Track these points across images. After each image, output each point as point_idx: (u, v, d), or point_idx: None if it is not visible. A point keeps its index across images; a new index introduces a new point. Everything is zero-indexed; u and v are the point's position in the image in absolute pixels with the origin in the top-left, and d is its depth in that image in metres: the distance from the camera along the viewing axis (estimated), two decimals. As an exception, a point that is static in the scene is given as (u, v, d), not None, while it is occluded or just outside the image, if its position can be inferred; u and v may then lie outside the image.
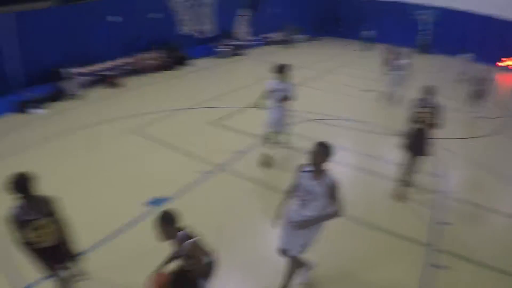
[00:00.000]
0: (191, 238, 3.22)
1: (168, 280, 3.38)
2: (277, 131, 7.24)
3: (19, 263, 4.18)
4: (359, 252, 5.26)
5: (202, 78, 14.51)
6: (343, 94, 12.98)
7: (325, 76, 15.49)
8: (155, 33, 14.84)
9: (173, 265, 3.53)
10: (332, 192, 3.60)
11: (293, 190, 3.91)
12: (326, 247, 4.68)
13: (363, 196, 6.69)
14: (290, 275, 4.11)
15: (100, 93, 12.20)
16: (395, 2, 23.76)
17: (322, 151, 3.55)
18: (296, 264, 4.08)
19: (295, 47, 21.87)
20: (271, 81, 6.92)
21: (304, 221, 3.66)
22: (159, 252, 3.68)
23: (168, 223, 3.18)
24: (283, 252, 4.09)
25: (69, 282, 3.85)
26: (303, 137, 8.13)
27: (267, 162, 7.35)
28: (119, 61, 13.40)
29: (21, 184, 3.22)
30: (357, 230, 5.70)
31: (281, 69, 6.86)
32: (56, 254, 3.61)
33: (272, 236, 4.37)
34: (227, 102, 11.50)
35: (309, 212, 3.71)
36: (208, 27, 17.54)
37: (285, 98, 6.80)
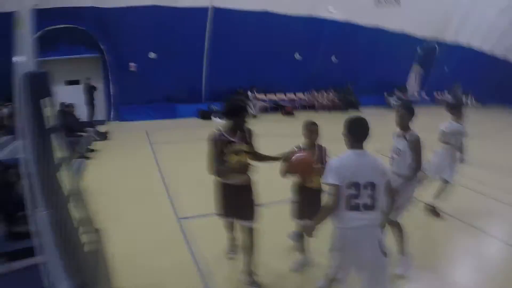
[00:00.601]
0: None
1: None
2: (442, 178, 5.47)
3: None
4: None
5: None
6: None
7: None
8: (333, 75, 15.27)
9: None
10: (414, 146, 3.65)
11: None
12: None
13: None
14: (401, 239, 3.82)
15: (273, 117, 13.20)
16: None
17: (408, 112, 3.71)
18: (399, 228, 3.84)
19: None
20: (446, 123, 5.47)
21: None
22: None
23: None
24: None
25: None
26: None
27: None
28: (296, 95, 14.02)
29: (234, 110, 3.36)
30: None
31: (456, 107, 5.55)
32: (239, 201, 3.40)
33: None
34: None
35: (394, 168, 3.81)
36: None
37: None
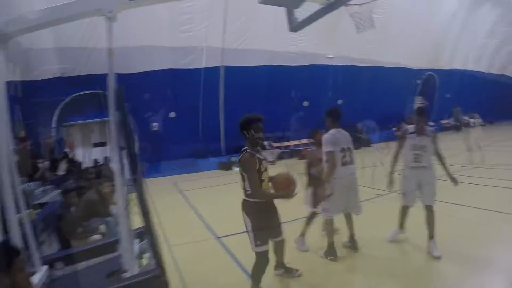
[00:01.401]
0: None
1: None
2: None
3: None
4: None
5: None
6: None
7: None
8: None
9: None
10: (435, 139, 4.48)
11: (398, 155, 4.67)
12: None
13: None
14: (432, 223, 4.39)
15: (290, 162, 14.02)
16: None
17: (423, 114, 4.54)
18: (432, 212, 4.43)
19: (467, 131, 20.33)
20: None
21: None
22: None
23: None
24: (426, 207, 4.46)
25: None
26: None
27: None
28: (309, 140, 14.91)
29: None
30: None
31: None
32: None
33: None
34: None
35: (424, 163, 4.46)
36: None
37: None
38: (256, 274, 3.53)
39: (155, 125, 14.31)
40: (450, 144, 13.19)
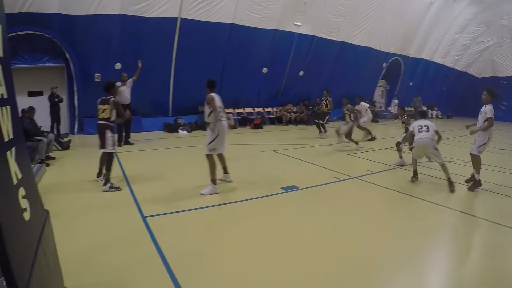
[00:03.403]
0: None
1: None
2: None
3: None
4: None
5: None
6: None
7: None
8: (300, 90, 15.46)
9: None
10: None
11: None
12: None
13: None
14: (478, 166, 6.61)
15: (241, 130, 13.43)
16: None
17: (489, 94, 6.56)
18: (476, 159, 6.62)
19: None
20: None
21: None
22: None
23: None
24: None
25: None
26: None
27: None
28: (264, 109, 14.03)
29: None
30: None
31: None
32: None
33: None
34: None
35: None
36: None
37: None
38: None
39: (97, 76, 12.76)
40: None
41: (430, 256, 4.00)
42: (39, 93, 12.24)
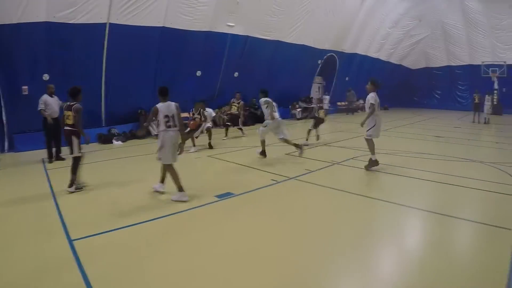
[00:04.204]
0: None
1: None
2: None
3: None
4: None
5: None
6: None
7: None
8: (236, 91, 15.73)
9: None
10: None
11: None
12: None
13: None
14: None
15: None
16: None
17: None
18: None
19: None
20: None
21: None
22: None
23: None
24: None
25: None
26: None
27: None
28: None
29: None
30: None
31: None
32: None
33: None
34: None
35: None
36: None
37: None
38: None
39: (24, 89, 12.14)
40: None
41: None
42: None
